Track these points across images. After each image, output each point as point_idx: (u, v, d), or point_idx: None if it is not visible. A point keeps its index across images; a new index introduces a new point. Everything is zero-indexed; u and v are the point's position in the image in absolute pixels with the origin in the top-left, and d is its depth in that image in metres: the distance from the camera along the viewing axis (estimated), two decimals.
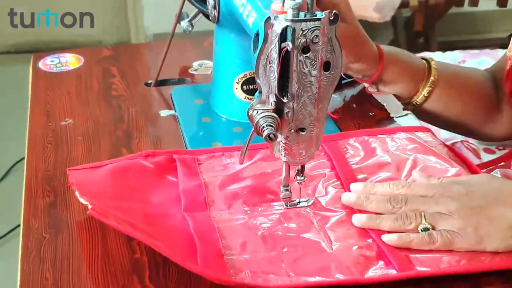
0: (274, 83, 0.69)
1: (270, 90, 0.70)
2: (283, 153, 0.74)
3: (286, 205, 0.78)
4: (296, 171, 0.77)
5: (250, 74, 0.96)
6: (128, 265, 0.71)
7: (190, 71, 1.16)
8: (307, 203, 0.79)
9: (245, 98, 0.97)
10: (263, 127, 0.69)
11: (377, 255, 0.72)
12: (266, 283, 0.67)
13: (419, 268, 0.70)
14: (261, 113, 0.70)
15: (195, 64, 1.18)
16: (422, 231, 0.72)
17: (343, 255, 0.71)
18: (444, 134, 1.17)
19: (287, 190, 0.77)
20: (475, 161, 1.09)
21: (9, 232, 1.94)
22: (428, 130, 0.94)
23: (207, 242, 0.72)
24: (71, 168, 0.82)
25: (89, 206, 0.72)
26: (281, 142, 0.73)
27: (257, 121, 0.70)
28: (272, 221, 0.76)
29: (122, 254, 0.72)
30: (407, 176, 0.84)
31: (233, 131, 0.96)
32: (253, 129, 0.72)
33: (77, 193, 0.76)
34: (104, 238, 0.74)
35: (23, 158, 0.91)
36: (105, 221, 0.72)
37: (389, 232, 0.74)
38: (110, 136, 0.95)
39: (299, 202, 0.79)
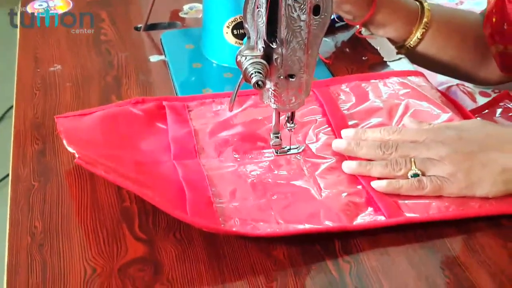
0: (262, 28, 0.68)
1: (258, 36, 0.69)
2: (272, 100, 0.73)
3: (277, 153, 0.78)
4: (286, 118, 0.77)
5: (241, 18, 0.94)
6: (118, 213, 0.70)
7: (180, 14, 1.14)
8: (298, 150, 0.78)
9: (235, 43, 0.96)
10: (252, 74, 0.68)
11: (366, 201, 0.72)
12: (255, 230, 0.67)
13: (408, 214, 0.70)
14: (249, 59, 0.69)
15: (186, 7, 1.15)
16: (411, 177, 0.72)
17: (333, 202, 0.71)
18: (440, 78, 1.16)
19: (277, 137, 0.76)
20: (470, 104, 1.08)
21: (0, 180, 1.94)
22: (421, 75, 0.93)
23: (197, 190, 0.71)
24: (59, 116, 0.82)
25: (76, 155, 0.72)
26: (270, 89, 0.72)
27: (246, 67, 0.69)
28: (262, 168, 0.76)
29: (111, 202, 0.72)
30: (399, 121, 0.83)
31: (223, 76, 0.95)
32: (241, 75, 0.71)
33: (64, 142, 0.75)
34: (94, 186, 0.74)
35: None
36: (92, 170, 0.72)
37: (379, 178, 0.73)
38: (99, 83, 0.94)
39: (290, 149, 0.78)
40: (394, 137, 0.76)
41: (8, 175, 0.77)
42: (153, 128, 0.82)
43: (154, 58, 1.00)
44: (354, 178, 0.75)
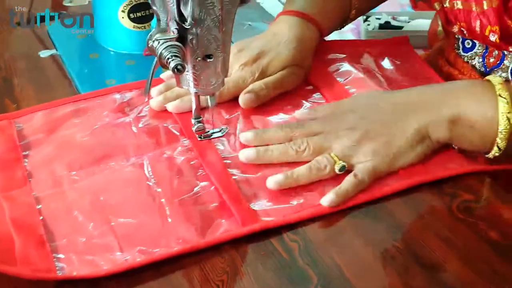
0: (173, 8, 0.63)
1: (169, 17, 0.64)
2: (191, 84, 0.68)
3: (200, 138, 0.74)
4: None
5: (136, 0, 0.88)
6: None
7: (64, 3, 1.06)
8: (221, 133, 0.74)
9: (134, 27, 0.90)
10: (169, 58, 0.63)
11: (220, 206, 0.66)
12: (96, 268, 0.59)
13: (263, 219, 0.65)
14: (163, 43, 0.64)
15: None
16: (339, 170, 0.69)
17: (182, 215, 0.65)
18: None
19: (199, 122, 0.72)
20: None
21: None
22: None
23: (26, 231, 0.62)
24: None
25: None
26: (188, 73, 0.67)
27: (160, 52, 0.64)
28: (103, 184, 0.68)
29: None
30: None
31: (126, 64, 0.89)
32: (155, 61, 0.66)
33: None
34: None
35: None
36: None
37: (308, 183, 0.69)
38: None
39: (212, 133, 0.74)
40: (298, 132, 0.72)
41: None
42: None
43: (44, 53, 0.93)
44: (207, 177, 0.69)
